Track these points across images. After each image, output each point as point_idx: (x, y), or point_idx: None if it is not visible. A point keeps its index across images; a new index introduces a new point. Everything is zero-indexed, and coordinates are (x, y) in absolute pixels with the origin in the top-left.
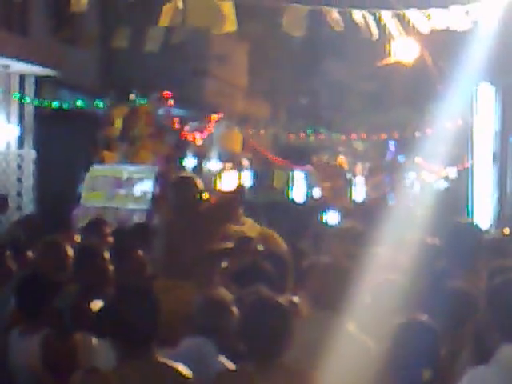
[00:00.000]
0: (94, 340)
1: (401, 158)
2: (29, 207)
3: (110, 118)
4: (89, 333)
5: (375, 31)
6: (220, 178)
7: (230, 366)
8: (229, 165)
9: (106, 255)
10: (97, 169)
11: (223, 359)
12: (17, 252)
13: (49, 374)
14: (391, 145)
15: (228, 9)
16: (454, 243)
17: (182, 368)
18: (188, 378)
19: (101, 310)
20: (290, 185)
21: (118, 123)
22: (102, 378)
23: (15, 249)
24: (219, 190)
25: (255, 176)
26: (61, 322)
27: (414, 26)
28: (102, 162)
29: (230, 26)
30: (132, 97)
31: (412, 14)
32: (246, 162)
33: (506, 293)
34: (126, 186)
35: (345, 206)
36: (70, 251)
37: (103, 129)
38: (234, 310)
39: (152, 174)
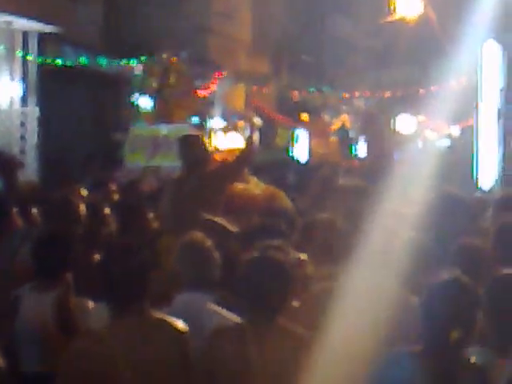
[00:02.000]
0: (91, 303)
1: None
2: (32, 165)
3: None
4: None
5: None
6: (226, 136)
7: (229, 317)
8: (240, 122)
9: (107, 211)
10: (135, 130)
11: (221, 311)
12: (21, 209)
13: (59, 333)
14: None
15: None
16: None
17: (177, 322)
18: (183, 332)
19: (94, 267)
20: (293, 143)
21: (153, 83)
22: (96, 338)
23: (20, 206)
24: (224, 148)
25: (258, 134)
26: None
27: None
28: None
29: None
30: (164, 56)
31: None
32: (258, 121)
33: None
34: (164, 145)
35: (339, 163)
36: (83, 207)
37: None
38: (215, 255)
39: (186, 130)
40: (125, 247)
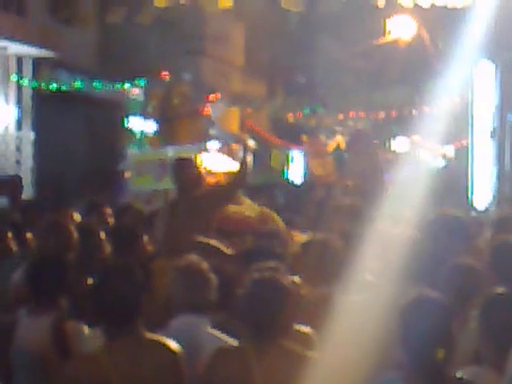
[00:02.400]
0: (86, 328)
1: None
2: (28, 189)
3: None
4: (82, 316)
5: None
6: (218, 158)
7: (227, 340)
8: (234, 145)
9: (102, 235)
10: (140, 153)
11: (219, 334)
12: (16, 233)
13: (56, 358)
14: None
15: None
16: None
17: (171, 343)
18: (177, 353)
19: (87, 291)
20: (288, 165)
21: (156, 107)
22: (91, 361)
23: (14, 230)
24: (218, 171)
25: (253, 156)
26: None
27: (413, 1)
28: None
29: (226, 1)
30: (166, 78)
31: None
32: (251, 143)
33: None
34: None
35: (338, 183)
36: (74, 231)
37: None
38: (212, 278)
39: (193, 152)
40: (117, 269)
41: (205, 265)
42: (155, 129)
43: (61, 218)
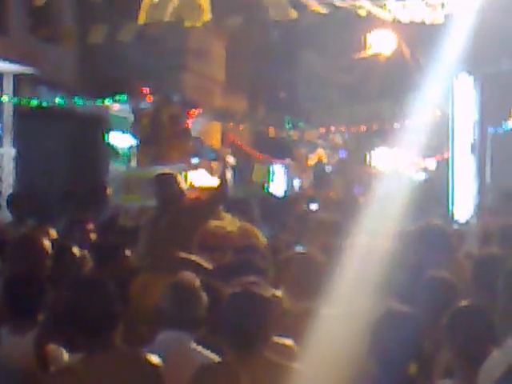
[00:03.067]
0: (65, 353)
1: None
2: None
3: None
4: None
5: (362, 12)
6: (200, 173)
7: (211, 357)
8: (214, 163)
9: (75, 251)
10: (129, 171)
11: (203, 351)
12: None
13: (44, 373)
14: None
15: (204, 1)
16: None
17: (151, 357)
18: (157, 367)
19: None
20: (269, 179)
21: (145, 126)
22: (69, 373)
23: None
24: (200, 186)
25: (234, 170)
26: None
27: (392, 16)
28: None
29: (205, 16)
30: (151, 99)
31: (389, 3)
32: (231, 160)
33: None
34: None
35: (327, 198)
36: (49, 246)
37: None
38: (203, 295)
39: (182, 170)
40: (88, 284)
41: (197, 282)
42: (142, 147)
43: (35, 235)
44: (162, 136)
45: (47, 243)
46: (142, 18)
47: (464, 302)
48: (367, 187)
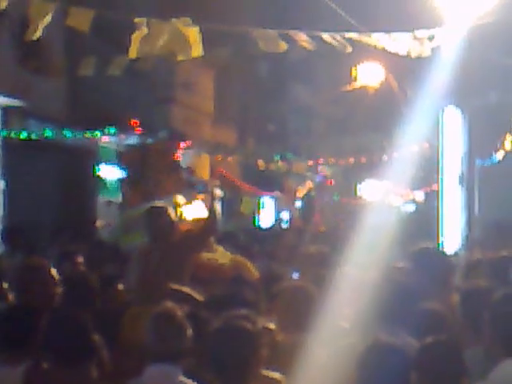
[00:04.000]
0: None
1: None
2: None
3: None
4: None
5: (349, 47)
6: (190, 206)
7: None
8: (200, 195)
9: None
10: (129, 212)
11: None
12: None
13: None
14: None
15: (194, 35)
16: (423, 268)
17: None
18: None
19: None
20: (258, 211)
21: (134, 164)
22: None
23: None
24: (190, 218)
25: (223, 203)
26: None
27: (379, 48)
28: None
29: (196, 51)
30: (139, 132)
31: (378, 37)
32: (218, 192)
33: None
34: None
35: (315, 229)
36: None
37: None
38: (186, 326)
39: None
40: (66, 316)
41: (179, 312)
42: (133, 185)
43: (43, 263)
44: (151, 171)
45: (55, 272)
46: (132, 52)
47: (429, 339)
48: (355, 218)
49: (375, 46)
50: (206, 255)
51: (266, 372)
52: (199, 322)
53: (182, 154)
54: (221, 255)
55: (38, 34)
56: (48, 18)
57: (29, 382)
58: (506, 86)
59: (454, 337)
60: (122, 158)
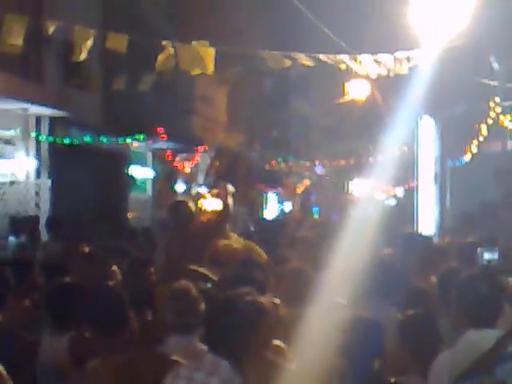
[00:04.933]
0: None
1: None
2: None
3: None
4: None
5: (343, 66)
6: (207, 200)
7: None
8: (215, 190)
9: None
10: None
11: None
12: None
13: (76, 373)
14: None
15: (209, 55)
16: (409, 250)
17: (168, 355)
18: (176, 361)
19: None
20: (264, 205)
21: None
22: (93, 373)
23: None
24: (206, 210)
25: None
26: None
27: (365, 69)
28: None
29: (210, 68)
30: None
31: (364, 58)
32: (230, 188)
33: (472, 287)
34: None
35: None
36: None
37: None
38: (198, 300)
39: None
40: (104, 292)
41: (193, 289)
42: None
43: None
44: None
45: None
46: (159, 67)
47: (410, 312)
48: (345, 211)
49: (361, 70)
50: (222, 241)
51: (270, 355)
52: (208, 298)
53: (200, 157)
54: (235, 241)
55: (83, 55)
56: (90, 42)
57: (73, 348)
58: (472, 98)
59: (430, 310)
60: (157, 159)
